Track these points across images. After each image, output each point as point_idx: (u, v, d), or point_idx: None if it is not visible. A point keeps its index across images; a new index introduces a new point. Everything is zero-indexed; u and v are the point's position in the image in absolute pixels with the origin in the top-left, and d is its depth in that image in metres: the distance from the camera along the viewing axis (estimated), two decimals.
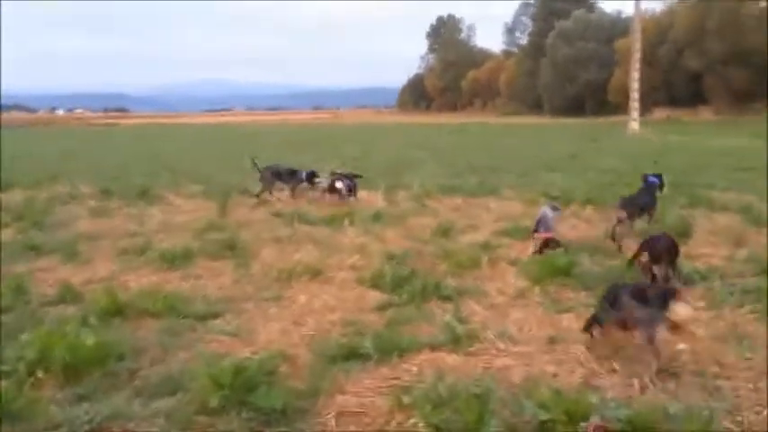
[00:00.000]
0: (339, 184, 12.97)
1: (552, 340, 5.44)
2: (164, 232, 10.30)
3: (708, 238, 9.08)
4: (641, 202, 9.45)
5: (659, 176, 10.11)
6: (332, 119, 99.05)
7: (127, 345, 5.38)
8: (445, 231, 9.82)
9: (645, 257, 6.91)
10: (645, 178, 10.08)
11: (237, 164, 21.31)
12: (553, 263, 7.25)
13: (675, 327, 4.91)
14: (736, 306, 6.12)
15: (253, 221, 11.12)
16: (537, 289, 6.84)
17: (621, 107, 57.16)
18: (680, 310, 4.84)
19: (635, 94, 42.02)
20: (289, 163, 14.90)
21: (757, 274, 7.09)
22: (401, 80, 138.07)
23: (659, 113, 59.60)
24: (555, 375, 4.78)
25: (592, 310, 5.83)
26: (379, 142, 34.52)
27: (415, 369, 4.92)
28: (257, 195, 13.49)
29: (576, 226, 10.31)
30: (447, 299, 6.62)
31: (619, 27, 74.88)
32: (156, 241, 9.41)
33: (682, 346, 5.20)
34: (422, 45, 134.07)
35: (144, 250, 8.84)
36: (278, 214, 11.58)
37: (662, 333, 4.83)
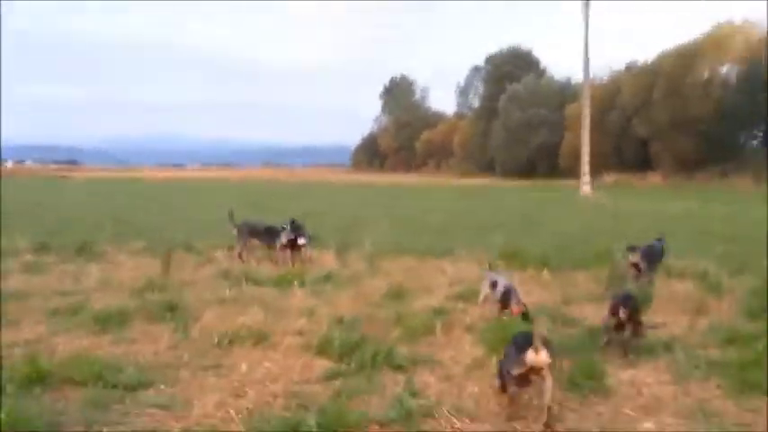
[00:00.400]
0: (302, 240, 12.55)
1: (511, 417, 5.05)
2: (101, 291, 9.69)
3: (667, 305, 8.82)
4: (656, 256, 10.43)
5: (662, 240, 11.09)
6: (288, 176, 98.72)
7: (44, 418, 4.85)
8: (398, 294, 9.44)
9: (624, 314, 6.74)
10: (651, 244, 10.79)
11: (184, 218, 20.81)
12: (511, 330, 6.90)
13: (531, 372, 5.00)
14: (702, 380, 5.83)
15: (197, 281, 10.58)
16: (494, 358, 6.47)
17: (572, 170, 58.08)
18: (529, 357, 4.93)
19: (586, 158, 42.63)
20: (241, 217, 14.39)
21: (720, 346, 6.85)
22: (354, 139, 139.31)
23: (609, 178, 60.48)
24: None
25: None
26: (333, 200, 34.17)
27: None
28: (239, 256, 12.87)
29: (532, 291, 9.99)
30: (399, 368, 6.23)
31: (568, 93, 76.33)
32: (91, 301, 8.82)
33: (648, 425, 4.87)
34: (376, 105, 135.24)
35: (77, 311, 8.28)
36: (225, 273, 11.06)
37: (512, 380, 5.08)
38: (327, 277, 10.70)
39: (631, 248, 10.37)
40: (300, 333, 7.47)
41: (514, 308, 7.57)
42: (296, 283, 10.07)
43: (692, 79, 57.83)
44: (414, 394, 5.47)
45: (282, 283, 10.23)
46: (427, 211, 25.94)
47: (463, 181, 71.75)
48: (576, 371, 5.84)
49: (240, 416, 5.10)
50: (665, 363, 6.28)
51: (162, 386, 5.76)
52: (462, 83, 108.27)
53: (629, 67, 68.75)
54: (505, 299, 7.81)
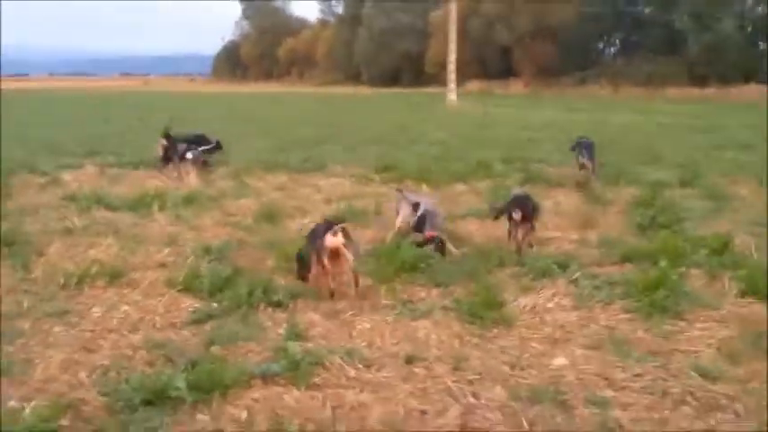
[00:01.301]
0: (189, 155, 11.55)
1: (410, 360, 4.46)
2: None
3: (553, 219, 8.46)
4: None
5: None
6: (141, 86, 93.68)
7: None
8: (270, 216, 8.61)
9: (518, 215, 6.92)
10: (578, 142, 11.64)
11: (27, 135, 18.90)
12: (398, 256, 6.31)
13: (332, 255, 5.71)
14: (605, 303, 5.43)
15: (40, 207, 9.30)
16: (383, 289, 5.86)
17: (437, 78, 58.06)
18: (328, 240, 5.65)
19: (452, 66, 42.26)
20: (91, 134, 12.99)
21: (617, 263, 6.53)
22: (216, 47, 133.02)
23: (473, 85, 60.83)
24: (423, 414, 3.81)
25: (447, 314, 5.10)
26: (192, 113, 32.26)
27: (244, 415, 3.78)
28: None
29: None
30: (278, 305, 5.48)
31: None
32: None
33: (561, 360, 4.43)
34: (236, 9, 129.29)
35: None
36: (72, 197, 9.83)
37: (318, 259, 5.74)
38: (189, 198, 9.70)
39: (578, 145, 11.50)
40: (163, 266, 6.62)
41: (428, 233, 6.88)
42: (155, 206, 9.06)
43: None
44: (298, 337, 4.79)
45: (139, 206, 9.18)
46: (293, 123, 24.85)
47: (328, 89, 70.37)
48: (475, 300, 5.32)
49: (92, 377, 4.27)
50: (564, 285, 5.85)
51: None
52: None
53: None
54: (420, 223, 7.10)
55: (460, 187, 10.70)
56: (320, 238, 5.70)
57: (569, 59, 58.21)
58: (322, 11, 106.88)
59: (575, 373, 4.26)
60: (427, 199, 7.71)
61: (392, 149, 15.68)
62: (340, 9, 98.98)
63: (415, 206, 7.32)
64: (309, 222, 8.27)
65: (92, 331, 5.02)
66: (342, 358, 4.41)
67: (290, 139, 18.39)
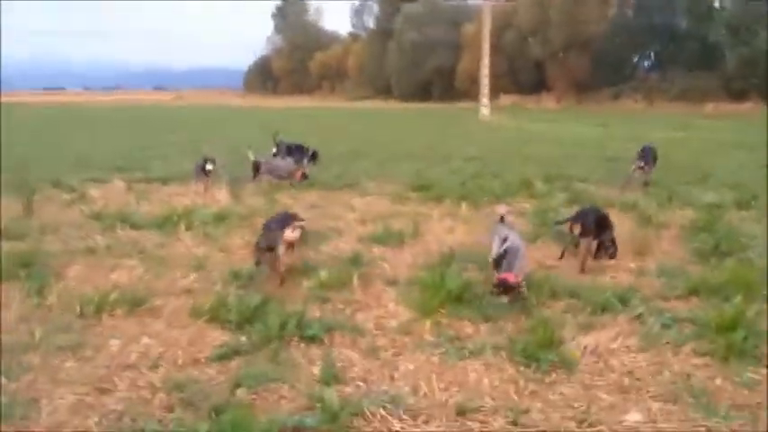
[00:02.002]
0: (209, 166, 11.60)
1: (462, 410, 3.93)
2: None
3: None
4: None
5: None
6: (174, 100, 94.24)
7: None
8: (302, 236, 8.13)
9: (578, 229, 6.90)
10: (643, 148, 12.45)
11: (57, 149, 18.71)
12: (443, 285, 5.77)
13: (289, 245, 6.54)
14: (677, 344, 4.86)
15: (63, 225, 8.92)
16: (427, 323, 5.33)
17: (468, 93, 57.75)
18: (286, 233, 6.45)
19: (485, 80, 41.80)
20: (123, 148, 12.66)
21: (682, 296, 5.92)
22: (245, 61, 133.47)
23: (505, 100, 60.26)
24: None
25: (498, 354, 4.55)
26: (223, 126, 32.00)
27: None
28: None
29: (454, 228, 8.90)
30: (312, 340, 4.98)
31: (464, 13, 75.27)
32: None
33: (635, 416, 3.87)
34: (268, 26, 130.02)
35: None
36: (97, 215, 9.45)
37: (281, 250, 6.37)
38: (220, 216, 9.27)
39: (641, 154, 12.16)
40: (188, 292, 6.16)
41: (510, 276, 5.64)
42: (182, 225, 8.64)
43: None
44: (334, 379, 4.29)
45: (166, 224, 8.76)
46: (325, 138, 24.39)
47: (359, 104, 70.10)
48: (530, 339, 4.79)
49: (103, 422, 3.80)
50: (627, 322, 5.29)
51: (2, 378, 4.35)
52: (357, 2, 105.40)
53: None
54: (498, 262, 5.91)
55: (502, 208, 10.11)
56: (279, 230, 6.41)
57: (603, 73, 57.56)
58: (353, 25, 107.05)
59: (653, 431, 3.70)
60: (516, 233, 6.32)
61: (427, 166, 15.19)
62: (371, 23, 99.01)
63: (504, 240, 6.05)
64: (342, 243, 7.84)
65: (107, 367, 4.55)
66: (384, 407, 3.90)
67: (323, 154, 17.92)
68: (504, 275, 5.65)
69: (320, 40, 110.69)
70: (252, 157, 12.18)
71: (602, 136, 25.39)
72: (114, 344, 4.95)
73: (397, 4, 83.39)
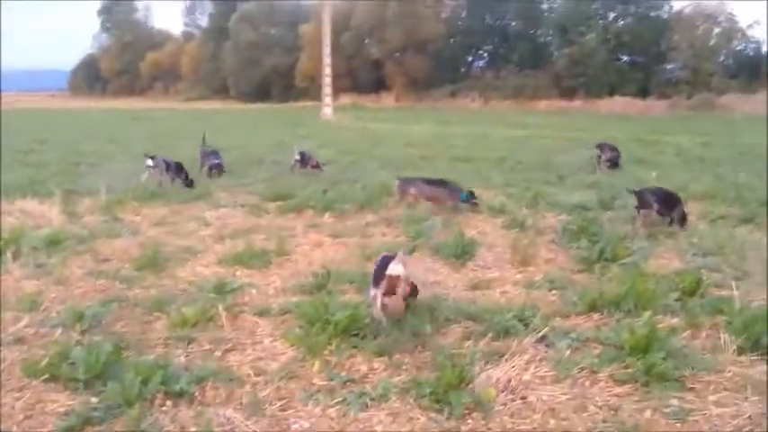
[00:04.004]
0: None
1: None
2: None
3: (485, 254, 7.50)
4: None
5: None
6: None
7: None
8: (153, 261, 7.15)
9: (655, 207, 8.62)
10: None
11: None
12: (326, 314, 5.07)
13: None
14: (592, 371, 4.45)
15: None
16: (316, 363, 4.63)
17: (308, 92, 57.40)
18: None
19: (327, 80, 41.31)
20: None
21: (582, 312, 5.56)
22: (74, 61, 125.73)
23: (344, 99, 60.16)
24: None
25: (404, 398, 3.95)
26: (49, 132, 29.52)
27: None
28: None
29: (322, 242, 8.20)
30: (181, 396, 4.16)
31: (301, 12, 74.67)
32: None
33: None
34: (95, 23, 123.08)
35: None
36: None
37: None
38: (53, 240, 8.01)
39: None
40: (20, 342, 5.09)
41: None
42: (9, 252, 7.38)
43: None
44: None
45: None
46: (165, 142, 22.95)
47: (195, 105, 67.69)
48: (435, 377, 4.22)
49: None
50: (532, 346, 4.82)
51: None
52: (188, 1, 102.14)
53: None
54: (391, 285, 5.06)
55: (370, 217, 9.55)
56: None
57: (440, 72, 59.22)
58: (186, 23, 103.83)
59: None
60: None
61: (278, 171, 14.38)
62: (204, 22, 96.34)
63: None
64: (200, 267, 6.99)
65: None
66: None
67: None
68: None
69: (152, 39, 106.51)
70: None
71: (446, 134, 25.53)
72: None
73: (231, 3, 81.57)
